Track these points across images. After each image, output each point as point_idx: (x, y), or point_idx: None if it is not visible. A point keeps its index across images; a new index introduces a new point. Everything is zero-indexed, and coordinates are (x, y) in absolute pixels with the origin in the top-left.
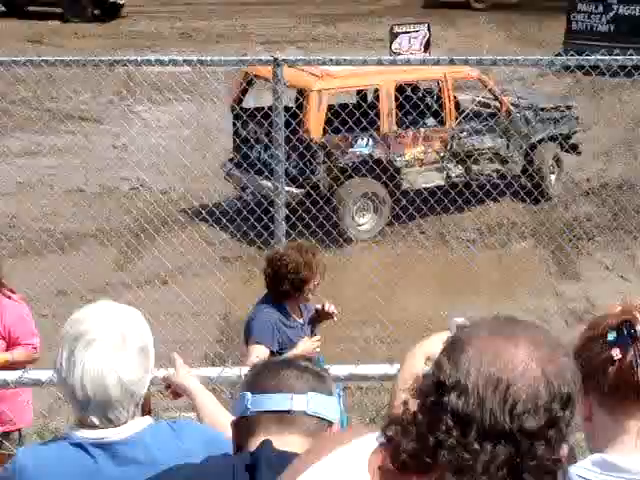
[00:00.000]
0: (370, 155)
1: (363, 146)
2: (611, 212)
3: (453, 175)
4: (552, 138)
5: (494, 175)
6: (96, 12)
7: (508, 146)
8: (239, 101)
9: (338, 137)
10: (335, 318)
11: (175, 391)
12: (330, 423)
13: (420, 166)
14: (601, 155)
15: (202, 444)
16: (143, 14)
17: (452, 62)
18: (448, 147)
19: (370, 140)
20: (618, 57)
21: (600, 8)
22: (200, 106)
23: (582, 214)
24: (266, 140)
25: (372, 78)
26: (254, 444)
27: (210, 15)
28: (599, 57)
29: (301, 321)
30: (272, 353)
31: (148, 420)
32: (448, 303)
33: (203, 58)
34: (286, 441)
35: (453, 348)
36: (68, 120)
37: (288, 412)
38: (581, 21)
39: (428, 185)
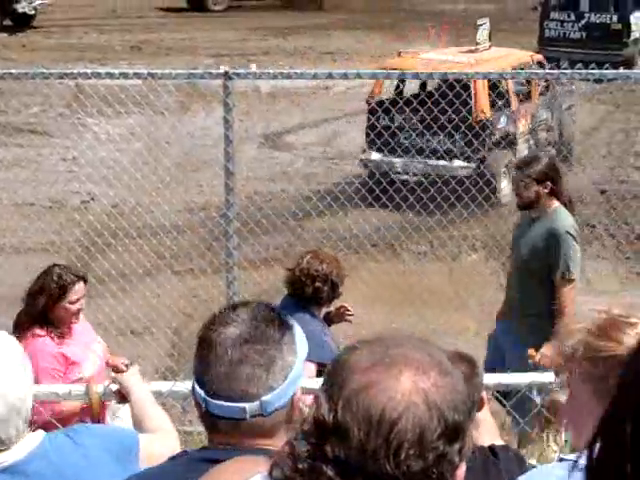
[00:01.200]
0: (507, 130)
1: (504, 122)
2: None
3: (532, 145)
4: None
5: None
6: (5, 22)
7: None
8: (375, 95)
9: (493, 115)
10: (351, 319)
11: (122, 393)
12: (291, 398)
13: (523, 137)
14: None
15: (100, 443)
16: (92, 26)
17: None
18: (534, 120)
19: (505, 117)
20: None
21: (572, 16)
22: (150, 119)
23: None
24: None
25: (501, 62)
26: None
27: (160, 28)
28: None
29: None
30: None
31: (41, 434)
32: (398, 315)
33: (154, 71)
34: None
35: (332, 382)
36: (17, 133)
37: (244, 419)
38: (554, 29)
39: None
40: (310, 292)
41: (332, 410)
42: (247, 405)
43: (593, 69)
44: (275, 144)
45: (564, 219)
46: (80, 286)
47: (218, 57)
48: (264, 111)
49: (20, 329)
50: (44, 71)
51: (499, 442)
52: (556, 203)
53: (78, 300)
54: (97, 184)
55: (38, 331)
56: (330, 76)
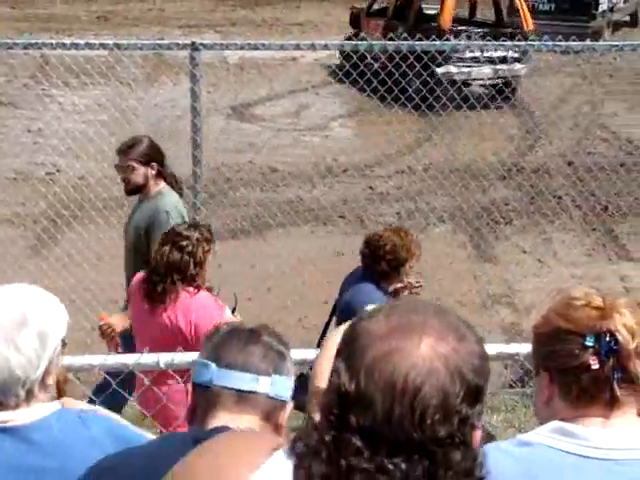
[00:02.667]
0: None
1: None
2: (528, 196)
3: None
4: None
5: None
6: None
7: None
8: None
9: None
10: (418, 291)
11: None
12: (284, 403)
13: None
14: (517, 139)
15: (108, 433)
16: None
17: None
18: None
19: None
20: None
21: None
22: (117, 90)
23: (499, 198)
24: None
25: None
26: (211, 418)
27: None
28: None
29: None
30: None
31: (56, 406)
32: None
33: (120, 42)
34: (243, 420)
35: (350, 351)
36: None
37: (251, 392)
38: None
39: None
40: (378, 268)
41: (353, 379)
42: (260, 377)
43: (560, 41)
44: (243, 116)
45: (167, 199)
46: None
47: (186, 28)
48: (232, 83)
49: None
50: (8, 41)
51: None
52: (162, 184)
53: None
54: (63, 156)
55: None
56: (298, 47)
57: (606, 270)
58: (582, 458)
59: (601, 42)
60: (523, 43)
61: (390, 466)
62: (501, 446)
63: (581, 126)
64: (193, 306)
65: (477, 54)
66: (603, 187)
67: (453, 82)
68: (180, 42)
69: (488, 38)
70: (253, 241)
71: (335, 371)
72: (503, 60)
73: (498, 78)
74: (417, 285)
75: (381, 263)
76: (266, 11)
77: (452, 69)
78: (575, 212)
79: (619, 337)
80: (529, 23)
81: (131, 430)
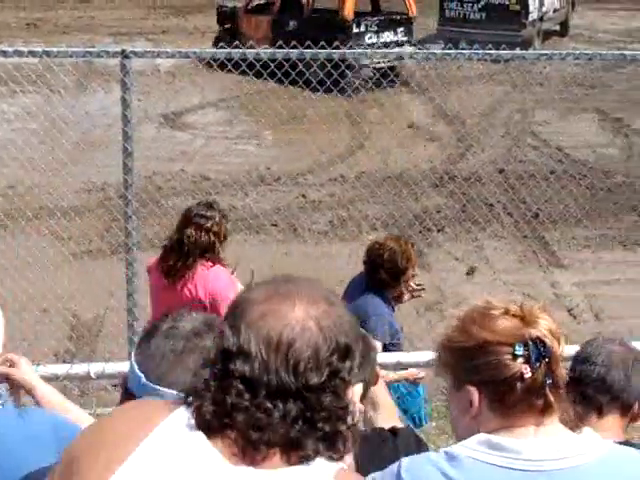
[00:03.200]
0: None
1: None
2: (460, 204)
3: None
4: None
5: None
6: None
7: None
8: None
9: None
10: (422, 294)
11: (15, 388)
12: None
13: None
14: (449, 148)
15: (50, 428)
16: None
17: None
18: None
19: None
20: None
21: None
22: (47, 98)
23: (431, 206)
24: None
25: None
26: None
27: (57, 5)
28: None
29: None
30: (384, 346)
31: None
32: None
33: (49, 49)
34: None
35: (234, 315)
36: None
37: None
38: (454, 9)
39: None
40: (378, 276)
41: (234, 336)
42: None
43: (490, 49)
44: (174, 124)
45: None
46: None
47: (117, 36)
48: (163, 90)
49: None
50: None
51: (399, 424)
52: None
53: None
54: None
55: None
56: (229, 56)
57: (537, 277)
58: (512, 471)
59: (531, 51)
60: (454, 51)
61: (269, 405)
62: (431, 458)
63: (512, 134)
64: (210, 276)
65: (375, 39)
66: (534, 194)
67: (360, 66)
68: (110, 50)
69: (383, 26)
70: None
71: (220, 332)
72: (396, 44)
73: (395, 60)
74: (419, 288)
75: (380, 272)
76: (197, 19)
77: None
78: (506, 219)
79: (547, 342)
80: (413, 10)
81: (71, 422)
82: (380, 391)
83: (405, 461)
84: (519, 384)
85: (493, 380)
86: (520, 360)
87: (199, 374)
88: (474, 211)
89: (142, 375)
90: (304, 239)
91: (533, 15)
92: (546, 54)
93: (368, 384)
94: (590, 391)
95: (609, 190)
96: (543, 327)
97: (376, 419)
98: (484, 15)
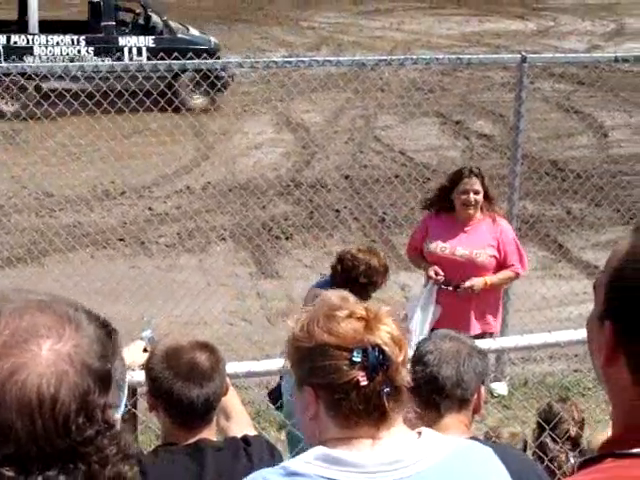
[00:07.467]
0: None
1: None
2: (307, 211)
3: None
4: None
5: None
6: None
7: None
8: None
9: None
10: None
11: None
12: None
13: None
14: (293, 155)
15: None
16: None
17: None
18: None
19: None
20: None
21: None
22: None
23: (278, 214)
24: None
25: None
26: None
27: None
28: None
29: None
30: None
31: None
32: (149, 309)
33: None
34: None
35: None
36: None
37: None
38: None
39: None
40: (349, 287)
41: None
42: None
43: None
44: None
45: None
46: None
47: None
48: None
49: None
50: None
51: (252, 432)
52: None
53: None
54: None
55: None
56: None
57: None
58: None
59: (376, 57)
60: (295, 59)
61: (51, 474)
62: (266, 474)
63: (356, 140)
64: None
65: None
66: (379, 199)
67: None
68: None
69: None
70: (31, 269)
71: None
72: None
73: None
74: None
75: (355, 284)
76: None
77: None
78: (353, 224)
79: (386, 350)
80: None
81: None
82: (231, 400)
83: None
84: (355, 392)
85: (330, 384)
86: (357, 367)
87: None
88: (321, 218)
89: None
90: (152, 252)
91: None
92: (385, 60)
93: (219, 395)
94: (425, 392)
95: None
96: (385, 333)
97: (229, 428)
98: None
